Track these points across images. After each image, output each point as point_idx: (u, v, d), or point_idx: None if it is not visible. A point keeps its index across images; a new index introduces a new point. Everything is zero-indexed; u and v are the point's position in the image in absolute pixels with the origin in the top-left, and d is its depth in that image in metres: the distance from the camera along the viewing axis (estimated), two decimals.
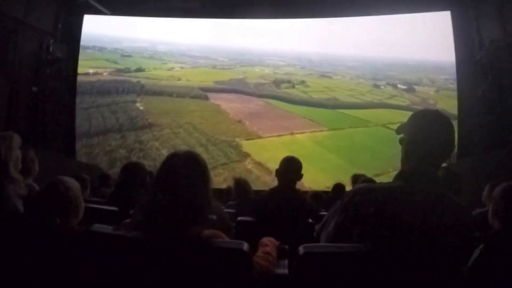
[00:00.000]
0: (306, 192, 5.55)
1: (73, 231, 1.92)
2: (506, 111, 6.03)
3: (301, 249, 1.36)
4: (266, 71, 11.33)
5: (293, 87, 11.13)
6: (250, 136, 10.03)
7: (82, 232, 1.82)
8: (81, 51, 8.66)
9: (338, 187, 5.34)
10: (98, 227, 1.52)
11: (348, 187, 4.96)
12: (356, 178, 4.74)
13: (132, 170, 3.27)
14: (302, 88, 11.14)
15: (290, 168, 3.08)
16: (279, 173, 3.09)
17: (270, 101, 10.98)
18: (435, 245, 1.35)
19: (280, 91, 11.11)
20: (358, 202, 1.45)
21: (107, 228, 1.51)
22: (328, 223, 1.55)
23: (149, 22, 9.72)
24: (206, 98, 10.89)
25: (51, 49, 7.62)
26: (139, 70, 10.80)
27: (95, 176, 6.02)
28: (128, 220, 1.61)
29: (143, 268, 1.42)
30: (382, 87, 10.05)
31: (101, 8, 7.91)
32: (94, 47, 10.28)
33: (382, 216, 1.38)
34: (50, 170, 3.21)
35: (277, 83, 11.11)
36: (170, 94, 10.82)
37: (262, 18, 8.76)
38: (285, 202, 2.95)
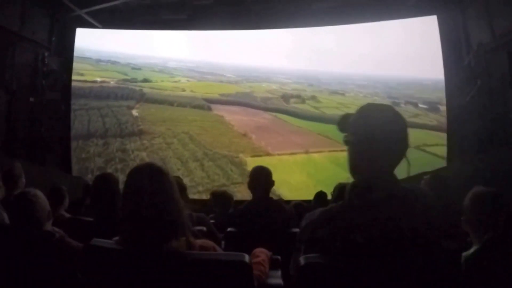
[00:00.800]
0: (288, 202, 5.42)
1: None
2: (497, 115, 5.81)
3: (301, 260, 1.30)
4: (274, 87, 10.82)
5: (303, 102, 10.47)
6: (257, 152, 9.36)
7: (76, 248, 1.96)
8: (94, 63, 9.04)
9: (320, 195, 5.27)
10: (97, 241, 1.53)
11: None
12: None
13: (103, 183, 3.25)
14: (313, 103, 10.46)
15: (261, 179, 3.11)
16: (251, 186, 3.13)
17: (279, 115, 10.36)
18: (416, 253, 1.25)
19: (289, 106, 10.51)
20: (321, 238, 1.34)
21: (103, 242, 1.53)
22: (295, 260, 1.43)
23: (162, 39, 9.91)
24: (209, 109, 10.45)
25: (46, 61, 7.96)
26: (145, 80, 10.79)
27: None
28: (115, 239, 1.58)
29: (143, 283, 1.42)
30: (402, 105, 9.07)
31: (93, 22, 8.21)
32: (108, 61, 10.58)
33: (351, 246, 1.26)
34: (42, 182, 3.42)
35: (286, 97, 10.68)
36: (171, 103, 10.31)
37: (251, 29, 8.83)
38: (263, 213, 2.99)
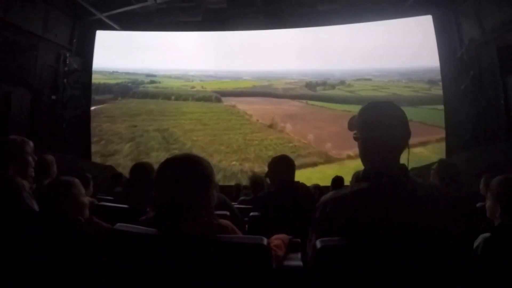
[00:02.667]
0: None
1: (93, 224, 2.14)
2: (488, 103, 6.34)
3: (318, 243, 1.33)
4: (293, 80, 10.23)
5: (333, 88, 9.95)
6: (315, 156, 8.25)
7: (105, 229, 2.01)
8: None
9: (337, 180, 5.37)
10: (120, 225, 1.54)
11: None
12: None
13: (140, 170, 3.37)
14: (344, 88, 9.82)
15: (284, 165, 3.09)
16: (274, 173, 3.09)
17: (311, 102, 9.57)
18: (419, 238, 1.31)
19: (317, 93, 9.75)
20: (329, 215, 1.43)
21: (128, 226, 1.53)
22: (310, 238, 1.51)
23: (182, 54, 9.99)
24: (218, 100, 9.76)
25: (67, 62, 8.43)
26: (152, 82, 10.61)
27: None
28: (144, 217, 1.65)
29: (165, 265, 1.44)
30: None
31: (112, 24, 8.70)
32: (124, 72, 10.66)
33: (355, 225, 1.35)
34: (68, 172, 3.52)
35: (311, 86, 9.98)
36: (167, 97, 9.87)
37: (262, 29, 9.25)
38: (291, 196, 2.94)
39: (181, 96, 10.14)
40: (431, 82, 8.65)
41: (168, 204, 1.53)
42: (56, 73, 8.31)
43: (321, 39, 9.31)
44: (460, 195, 3.00)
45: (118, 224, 1.53)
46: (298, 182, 3.15)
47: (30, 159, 2.49)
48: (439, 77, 7.79)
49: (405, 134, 1.50)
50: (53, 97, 8.29)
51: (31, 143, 2.54)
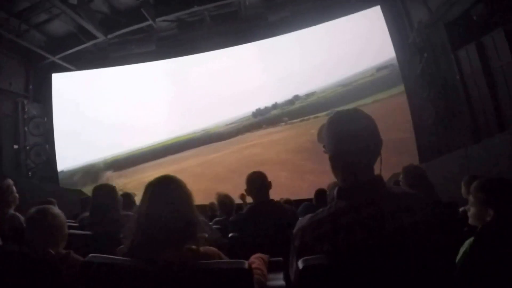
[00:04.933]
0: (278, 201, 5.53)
1: (69, 260, 1.95)
2: (446, 81, 6.27)
3: (300, 264, 1.29)
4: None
5: (313, 95, 9.46)
6: None
7: (80, 262, 1.76)
8: None
9: (320, 194, 5.18)
10: (94, 256, 1.48)
11: None
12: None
13: (102, 192, 3.20)
14: (322, 94, 9.39)
15: (257, 182, 3.06)
16: (250, 191, 3.08)
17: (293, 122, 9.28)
18: (406, 249, 1.24)
19: (296, 106, 9.50)
20: (309, 244, 1.35)
21: (103, 258, 1.47)
22: (292, 264, 1.43)
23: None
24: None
25: (26, 109, 8.33)
26: None
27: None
28: (121, 247, 1.56)
29: None
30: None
31: (67, 65, 8.67)
32: None
33: (337, 250, 1.28)
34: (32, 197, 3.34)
35: (290, 102, 9.62)
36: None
37: (214, 50, 9.18)
38: (266, 216, 2.91)
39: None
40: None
41: (151, 231, 1.47)
42: (16, 122, 8.19)
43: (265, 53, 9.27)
44: (438, 200, 2.95)
45: (91, 255, 1.47)
46: (271, 201, 3.09)
47: None
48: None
49: (377, 143, 1.40)
50: (15, 146, 8.16)
51: None
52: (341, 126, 1.41)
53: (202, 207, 6.29)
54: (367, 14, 7.75)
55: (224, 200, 4.44)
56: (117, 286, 1.42)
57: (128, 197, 4.49)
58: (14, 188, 3.17)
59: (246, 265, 1.38)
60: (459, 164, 5.32)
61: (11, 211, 3.07)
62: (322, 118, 9.00)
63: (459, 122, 6.02)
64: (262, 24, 8.37)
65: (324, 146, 1.47)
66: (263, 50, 9.33)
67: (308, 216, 1.42)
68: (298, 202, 5.49)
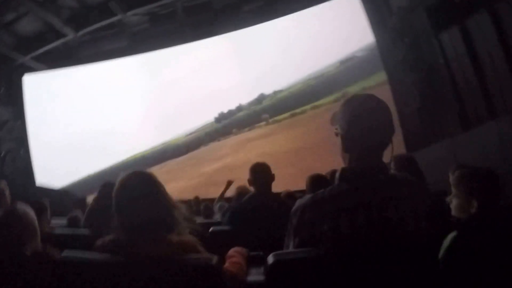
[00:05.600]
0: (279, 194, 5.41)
1: (42, 257, 1.88)
2: (429, 66, 6.04)
3: (270, 258, 1.30)
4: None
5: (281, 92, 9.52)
6: None
7: (51, 259, 1.80)
8: None
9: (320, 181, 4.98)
10: (68, 252, 1.49)
11: None
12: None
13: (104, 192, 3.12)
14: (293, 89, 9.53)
15: (261, 173, 3.00)
16: (252, 181, 3.03)
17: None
18: (403, 240, 1.24)
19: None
20: (309, 221, 1.32)
21: (77, 253, 1.48)
22: (287, 246, 1.42)
23: None
24: None
25: None
26: None
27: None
28: (100, 240, 1.56)
29: None
30: None
31: (38, 66, 8.37)
32: None
33: (338, 231, 1.25)
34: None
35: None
36: None
37: (186, 43, 8.87)
38: (263, 207, 2.86)
39: None
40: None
41: (129, 226, 1.47)
42: None
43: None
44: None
45: (66, 250, 1.49)
46: (272, 193, 3.06)
47: None
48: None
49: (390, 130, 1.38)
50: None
51: None
52: (359, 108, 1.39)
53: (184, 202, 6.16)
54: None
55: (242, 192, 4.26)
56: (85, 281, 1.43)
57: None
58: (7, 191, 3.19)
59: (215, 261, 1.37)
60: (447, 153, 5.24)
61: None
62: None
63: (446, 109, 5.81)
64: (235, 15, 8.01)
65: (336, 128, 1.44)
66: (234, 46, 9.17)
67: (309, 195, 1.39)
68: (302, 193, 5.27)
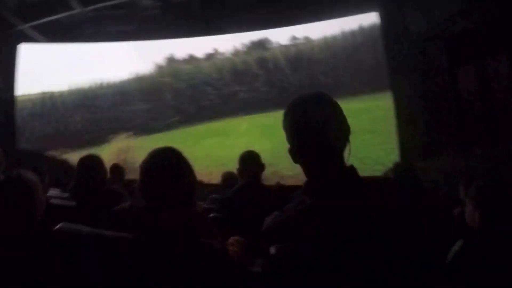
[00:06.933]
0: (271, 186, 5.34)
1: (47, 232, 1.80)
2: (438, 97, 6.17)
3: (272, 249, 1.18)
4: None
5: None
6: None
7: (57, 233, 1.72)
8: None
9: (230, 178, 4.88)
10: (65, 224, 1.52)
11: None
12: None
13: (88, 163, 3.09)
14: None
15: (250, 163, 3.00)
16: (240, 171, 3.03)
17: None
18: (382, 244, 1.11)
19: None
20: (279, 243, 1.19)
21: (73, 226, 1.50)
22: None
23: None
24: None
25: None
26: None
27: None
28: (121, 206, 1.67)
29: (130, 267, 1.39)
30: None
31: (37, 36, 7.98)
32: None
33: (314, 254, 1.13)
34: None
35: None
36: None
37: (201, 36, 9.06)
38: (252, 198, 2.84)
39: None
40: None
41: (152, 194, 1.51)
42: None
43: None
44: (435, 201, 2.96)
45: (62, 223, 1.51)
46: (261, 184, 3.07)
47: None
48: None
49: (344, 131, 1.24)
50: None
51: None
52: (300, 114, 1.24)
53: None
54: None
55: (228, 177, 4.44)
56: (85, 256, 1.46)
57: (116, 170, 4.72)
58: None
59: (218, 245, 1.42)
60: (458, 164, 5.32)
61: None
62: None
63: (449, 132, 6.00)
64: (252, 15, 7.96)
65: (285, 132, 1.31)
66: None
67: (275, 214, 1.32)
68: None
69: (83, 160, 3.10)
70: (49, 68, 9.06)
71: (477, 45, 5.40)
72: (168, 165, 1.54)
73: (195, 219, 1.54)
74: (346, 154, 1.23)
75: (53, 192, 3.53)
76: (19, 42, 8.21)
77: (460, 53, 5.71)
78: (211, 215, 2.79)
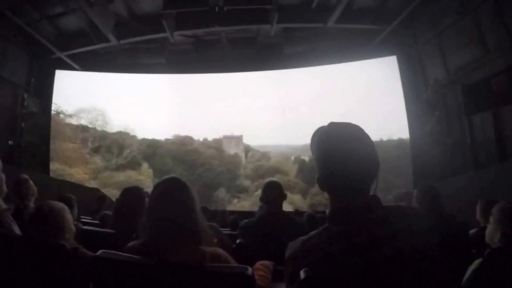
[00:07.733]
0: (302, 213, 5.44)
1: (78, 254, 2.00)
2: (454, 143, 6.31)
3: (302, 274, 1.17)
4: None
5: None
6: None
7: (89, 256, 1.88)
8: None
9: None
10: (104, 252, 1.50)
11: None
12: None
13: (132, 193, 3.13)
14: None
15: (273, 192, 3.05)
16: (264, 199, 3.07)
17: None
18: (404, 275, 1.10)
19: None
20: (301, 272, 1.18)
21: (111, 253, 1.50)
22: None
23: None
24: None
25: (25, 103, 7.90)
26: None
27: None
28: (132, 243, 1.61)
29: None
30: None
31: (72, 64, 8.37)
32: None
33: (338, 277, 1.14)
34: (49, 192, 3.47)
35: None
36: None
37: (226, 72, 9.25)
38: (275, 226, 2.90)
39: None
40: None
41: (159, 229, 1.52)
42: (14, 116, 7.73)
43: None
44: (451, 224, 2.91)
45: (102, 250, 1.50)
46: (282, 212, 3.10)
47: (2, 175, 2.39)
48: None
49: (373, 166, 1.22)
50: (10, 142, 7.66)
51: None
52: (332, 143, 1.22)
53: (213, 212, 6.28)
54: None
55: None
56: (123, 283, 1.46)
57: None
58: (31, 182, 3.34)
59: (250, 272, 1.39)
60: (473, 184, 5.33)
61: (32, 204, 3.26)
62: None
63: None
64: (277, 55, 8.31)
65: (313, 157, 1.31)
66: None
67: (300, 240, 1.30)
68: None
69: (127, 190, 3.18)
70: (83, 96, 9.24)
71: (493, 93, 5.55)
72: (173, 199, 1.57)
73: (213, 257, 1.53)
74: (373, 187, 1.22)
75: (84, 219, 3.74)
76: (55, 68, 8.64)
77: (476, 100, 5.87)
78: (238, 241, 2.88)
